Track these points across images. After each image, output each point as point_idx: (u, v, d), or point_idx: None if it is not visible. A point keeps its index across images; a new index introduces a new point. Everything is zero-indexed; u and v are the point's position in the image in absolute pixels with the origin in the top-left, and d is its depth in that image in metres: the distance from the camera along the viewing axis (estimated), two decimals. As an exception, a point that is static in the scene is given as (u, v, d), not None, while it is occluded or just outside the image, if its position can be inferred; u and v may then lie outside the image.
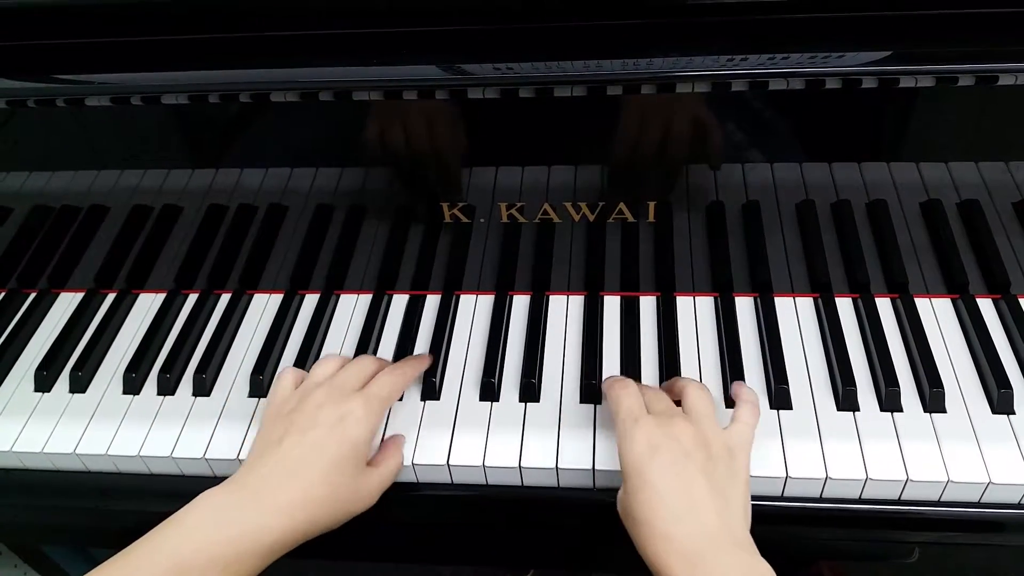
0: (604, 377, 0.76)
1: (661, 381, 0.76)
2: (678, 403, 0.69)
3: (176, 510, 0.62)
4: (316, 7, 0.70)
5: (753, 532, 0.62)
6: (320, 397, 0.68)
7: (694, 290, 0.84)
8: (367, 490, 0.67)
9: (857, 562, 0.67)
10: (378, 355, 0.82)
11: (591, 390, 0.75)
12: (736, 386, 0.73)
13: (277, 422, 0.68)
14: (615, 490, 0.70)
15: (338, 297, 0.88)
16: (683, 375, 0.76)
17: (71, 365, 0.83)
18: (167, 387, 0.80)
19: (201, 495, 0.63)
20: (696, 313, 0.83)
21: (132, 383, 0.80)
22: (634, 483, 0.61)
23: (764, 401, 0.74)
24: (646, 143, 0.73)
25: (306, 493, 0.63)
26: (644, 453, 0.62)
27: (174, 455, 0.74)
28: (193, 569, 0.58)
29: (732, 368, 0.76)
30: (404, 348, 0.81)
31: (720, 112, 0.71)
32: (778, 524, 0.70)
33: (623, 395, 0.68)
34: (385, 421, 0.75)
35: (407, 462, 0.71)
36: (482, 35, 0.69)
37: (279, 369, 0.76)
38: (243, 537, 0.60)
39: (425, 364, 0.77)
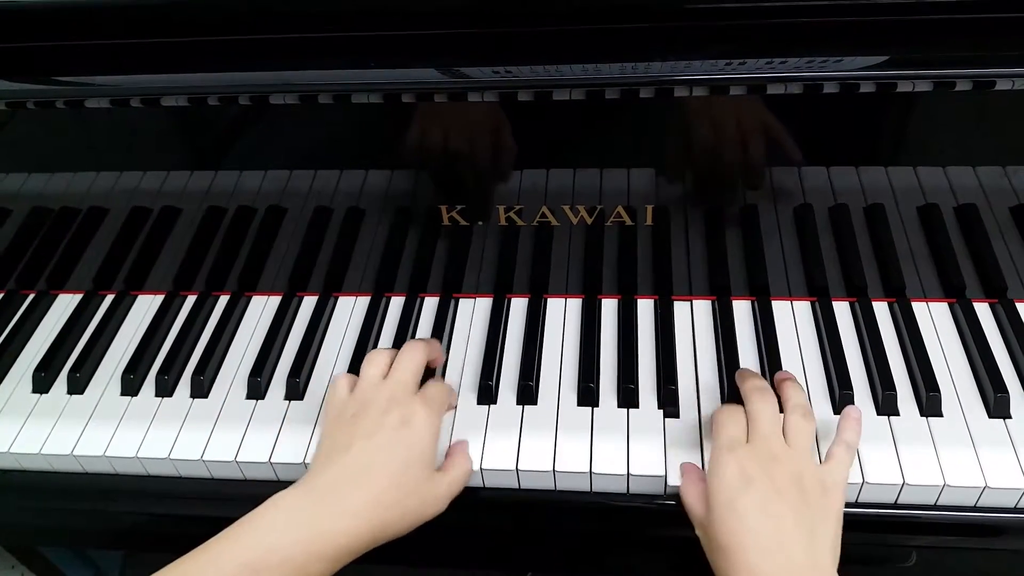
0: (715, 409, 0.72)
1: (658, 384, 0.76)
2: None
3: (174, 511, 0.62)
4: (314, 10, 0.70)
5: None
6: (382, 401, 0.67)
7: (691, 293, 0.85)
8: (436, 495, 0.66)
9: (854, 566, 0.67)
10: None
11: (588, 393, 0.75)
12: (844, 416, 0.70)
13: (341, 427, 0.67)
14: (611, 494, 0.70)
15: (336, 299, 0.88)
16: (680, 378, 0.76)
17: (69, 366, 0.83)
18: (165, 389, 0.80)
19: (272, 497, 0.63)
20: (693, 317, 0.83)
21: (130, 384, 0.80)
22: (722, 511, 0.61)
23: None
24: (644, 147, 0.73)
25: (376, 497, 0.62)
26: (736, 484, 0.61)
27: (171, 456, 0.74)
28: (265, 570, 0.58)
29: (729, 371, 0.76)
30: (402, 350, 0.81)
31: (718, 116, 0.71)
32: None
33: (728, 422, 0.67)
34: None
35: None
36: (481, 38, 0.69)
37: (332, 376, 0.76)
38: (314, 540, 0.60)
39: (438, 349, 0.78)
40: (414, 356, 0.72)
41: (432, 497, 0.66)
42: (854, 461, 0.68)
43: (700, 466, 0.69)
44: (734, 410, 0.68)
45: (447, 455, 0.71)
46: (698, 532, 0.65)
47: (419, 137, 0.74)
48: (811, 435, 0.67)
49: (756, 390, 0.69)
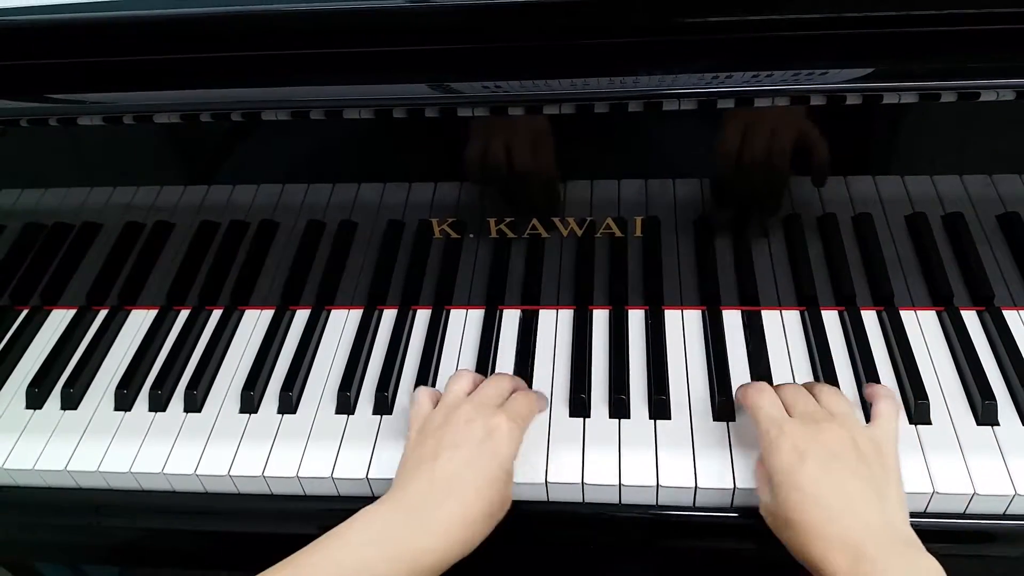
0: (735, 387, 0.75)
1: (650, 394, 0.77)
2: None
3: (168, 526, 0.62)
4: (305, 27, 0.70)
5: (742, 547, 0.62)
6: (467, 413, 0.67)
7: (682, 304, 0.85)
8: (508, 502, 0.66)
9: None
10: (368, 369, 0.82)
11: (579, 403, 0.76)
12: (870, 386, 0.73)
13: (426, 438, 0.67)
14: (607, 504, 0.71)
15: (329, 312, 0.89)
16: (671, 388, 0.77)
17: (63, 382, 0.83)
18: (158, 403, 0.80)
19: (361, 511, 0.62)
20: (684, 326, 0.83)
21: (124, 399, 0.81)
22: (786, 490, 0.61)
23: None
24: (633, 159, 0.74)
25: (464, 511, 0.62)
26: (793, 460, 0.62)
27: (165, 471, 0.74)
28: None
29: (719, 380, 0.77)
30: (393, 363, 0.81)
31: (706, 128, 0.72)
32: (764, 537, 0.71)
33: (762, 403, 0.67)
34: (375, 436, 0.75)
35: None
36: (471, 53, 0.70)
37: (414, 391, 0.76)
38: (403, 557, 0.59)
39: (545, 404, 0.76)
40: (501, 382, 0.72)
41: (507, 505, 0.66)
42: (900, 414, 0.69)
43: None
44: (761, 387, 0.69)
45: None
46: (765, 516, 0.65)
47: (411, 151, 0.75)
48: (848, 403, 0.68)
49: (782, 385, 0.71)
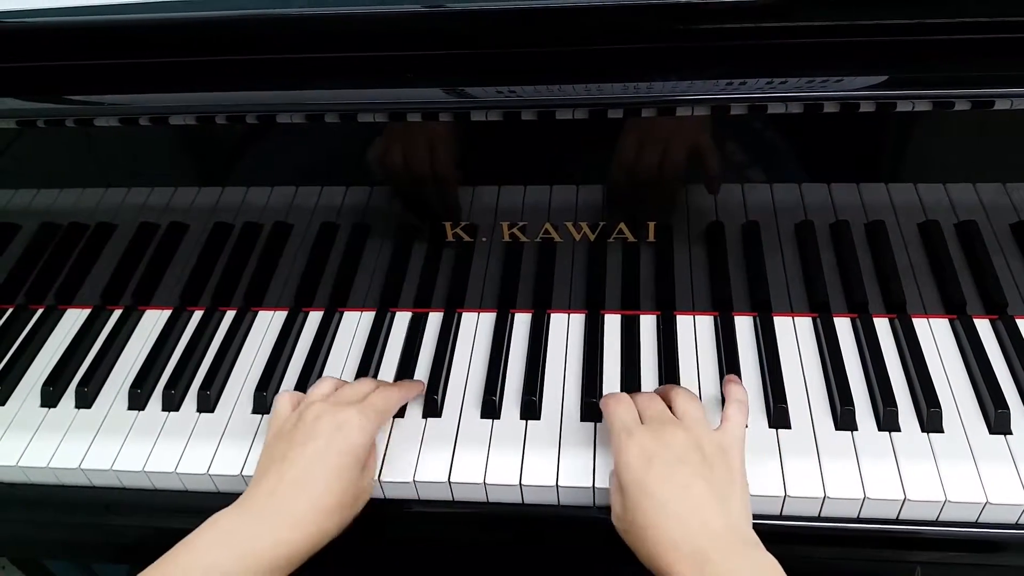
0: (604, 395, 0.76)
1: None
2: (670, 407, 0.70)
3: (179, 526, 0.63)
4: (321, 30, 0.70)
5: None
6: (318, 410, 0.68)
7: (694, 309, 0.85)
8: (366, 492, 0.69)
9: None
10: (380, 371, 0.83)
11: (592, 408, 0.76)
12: (727, 383, 0.74)
13: (279, 440, 0.68)
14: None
15: (341, 314, 0.89)
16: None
17: (77, 381, 0.83)
18: (172, 403, 0.81)
19: (211, 517, 0.63)
20: (696, 332, 0.83)
21: (137, 399, 0.81)
22: (634, 495, 0.62)
23: (763, 420, 0.75)
24: (646, 164, 0.74)
25: (313, 504, 0.63)
26: (640, 464, 0.63)
27: (178, 471, 0.74)
28: None
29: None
30: (407, 365, 0.82)
31: (720, 134, 0.72)
32: (776, 543, 0.70)
33: (617, 410, 0.69)
34: (388, 436, 0.75)
35: (407, 479, 0.72)
36: (486, 58, 0.70)
37: (278, 392, 0.77)
38: (254, 554, 0.61)
39: (418, 389, 0.78)
40: (361, 384, 0.73)
41: (364, 497, 0.69)
42: (748, 418, 0.71)
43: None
44: (619, 396, 0.71)
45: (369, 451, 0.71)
46: (616, 524, 0.66)
47: (424, 154, 0.75)
48: (699, 407, 0.69)
49: (639, 393, 0.72)
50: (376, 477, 0.71)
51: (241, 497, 0.65)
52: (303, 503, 0.63)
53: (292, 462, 0.65)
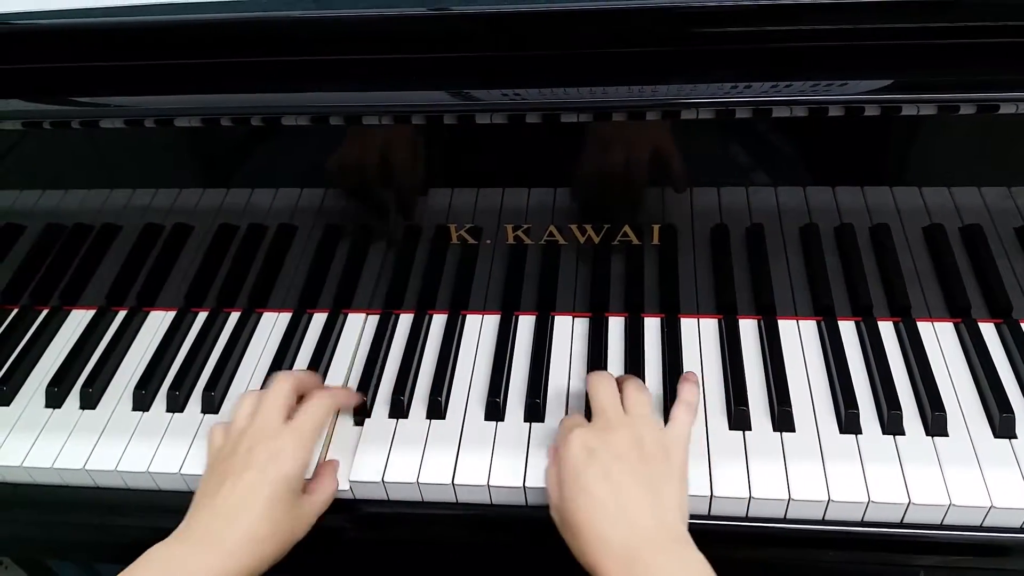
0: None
1: (665, 401, 0.77)
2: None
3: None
4: (326, 33, 0.71)
5: (756, 555, 0.62)
6: (249, 440, 0.68)
7: (698, 312, 0.85)
8: (306, 518, 0.69)
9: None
10: (385, 373, 0.83)
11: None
12: (681, 382, 0.74)
13: (213, 473, 0.68)
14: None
15: (346, 316, 0.89)
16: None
17: (82, 381, 0.84)
18: (176, 404, 0.81)
19: (148, 551, 0.64)
20: (700, 334, 0.83)
21: (142, 400, 0.81)
22: (571, 489, 0.63)
23: (767, 423, 0.75)
24: (651, 167, 0.74)
25: (249, 534, 0.64)
26: (580, 458, 0.64)
27: (182, 472, 0.75)
28: None
29: (735, 389, 0.77)
30: (409, 366, 0.82)
31: (724, 137, 0.72)
32: (781, 546, 0.71)
33: (571, 412, 0.69)
34: (391, 439, 0.75)
35: (412, 479, 0.72)
36: (491, 61, 0.70)
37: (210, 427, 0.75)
38: None
39: (355, 401, 0.78)
40: (278, 391, 0.72)
41: (304, 521, 0.68)
42: (695, 419, 0.72)
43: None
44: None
45: (314, 476, 0.72)
46: (553, 515, 0.66)
47: (431, 157, 0.75)
48: (649, 403, 0.70)
49: (594, 375, 0.73)
50: (320, 511, 0.71)
51: (178, 528, 0.66)
52: (239, 533, 0.63)
53: (227, 495, 0.65)
